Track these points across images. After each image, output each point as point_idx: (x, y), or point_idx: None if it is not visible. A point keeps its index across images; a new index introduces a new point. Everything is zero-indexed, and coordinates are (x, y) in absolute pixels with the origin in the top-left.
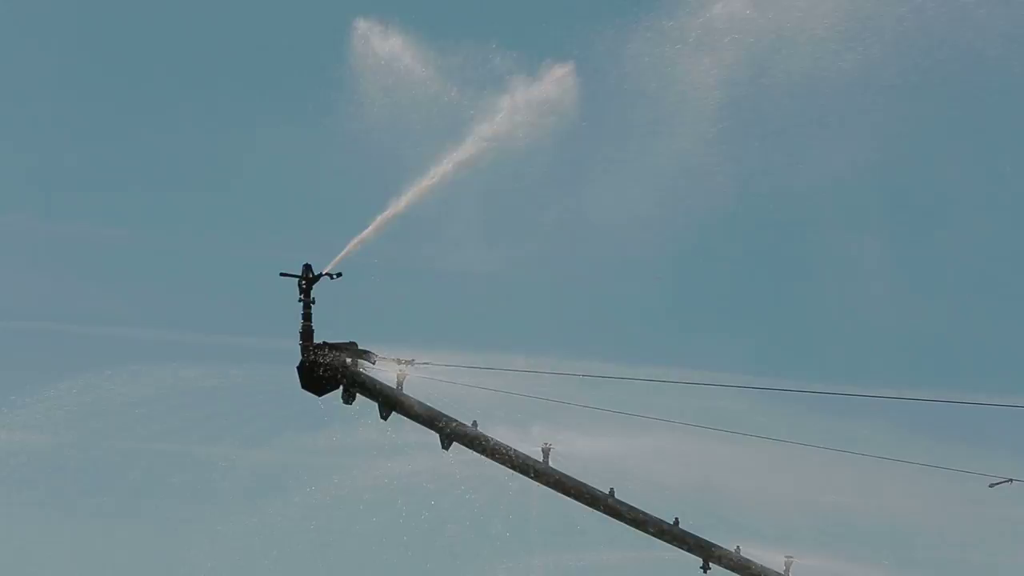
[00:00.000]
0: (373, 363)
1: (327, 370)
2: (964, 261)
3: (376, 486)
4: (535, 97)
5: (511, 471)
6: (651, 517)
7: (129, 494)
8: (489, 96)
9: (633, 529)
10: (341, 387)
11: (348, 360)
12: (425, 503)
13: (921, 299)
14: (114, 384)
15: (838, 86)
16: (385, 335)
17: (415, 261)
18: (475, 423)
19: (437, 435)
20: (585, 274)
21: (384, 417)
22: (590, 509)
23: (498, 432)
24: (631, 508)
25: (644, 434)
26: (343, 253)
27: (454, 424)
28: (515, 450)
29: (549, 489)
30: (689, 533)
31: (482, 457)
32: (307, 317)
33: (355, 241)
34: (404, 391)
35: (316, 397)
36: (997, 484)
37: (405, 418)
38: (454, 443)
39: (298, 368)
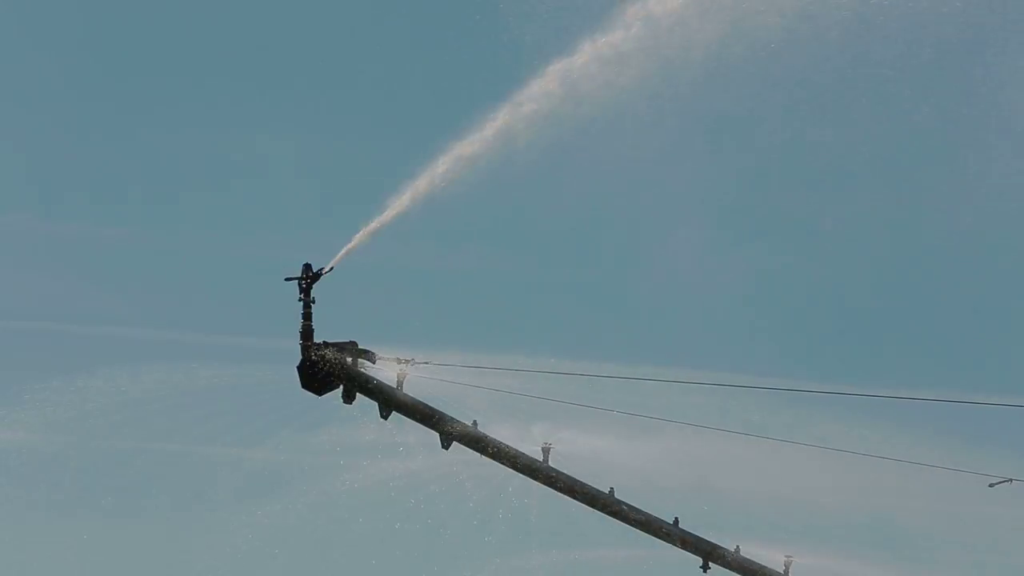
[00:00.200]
0: (373, 363)
1: (327, 370)
2: (964, 261)
3: (376, 486)
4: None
5: (511, 471)
6: (651, 517)
7: (129, 494)
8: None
9: (633, 529)
10: (341, 387)
11: (348, 360)
12: (425, 503)
13: (921, 299)
14: (114, 384)
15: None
16: (385, 335)
17: (416, 261)
18: (475, 423)
19: (437, 435)
20: (585, 274)
21: (384, 417)
22: (590, 509)
23: (498, 432)
24: (631, 508)
25: (644, 434)
26: (343, 252)
27: (454, 424)
28: (515, 450)
29: (549, 489)
30: (689, 533)
31: (482, 457)
32: (307, 317)
33: (355, 240)
34: (404, 391)
35: (316, 397)
36: (997, 484)
37: (405, 418)
38: (454, 443)
39: (298, 368)
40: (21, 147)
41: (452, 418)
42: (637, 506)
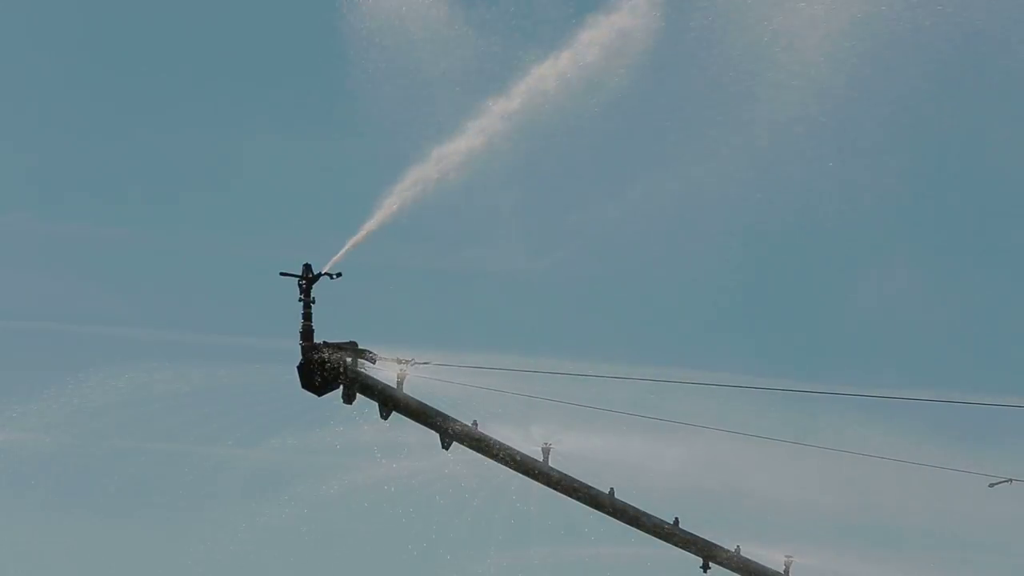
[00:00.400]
0: (373, 363)
1: (327, 370)
2: (964, 260)
3: (376, 486)
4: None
5: (511, 471)
6: (651, 517)
7: (129, 494)
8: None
9: (633, 529)
10: (341, 387)
11: (348, 360)
12: (425, 503)
13: (921, 299)
14: (114, 384)
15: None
16: (385, 335)
17: (416, 261)
18: (475, 423)
19: (437, 435)
20: (586, 273)
21: (384, 417)
22: (590, 509)
23: (498, 432)
24: (631, 508)
25: (644, 434)
26: (343, 251)
27: (454, 424)
28: (515, 450)
29: (549, 489)
30: (689, 533)
31: (482, 457)
32: (307, 317)
33: (355, 239)
34: (404, 391)
35: (316, 397)
36: (997, 484)
37: (405, 418)
38: (454, 443)
39: (298, 368)
40: (21, 147)
41: (452, 418)
42: (637, 506)
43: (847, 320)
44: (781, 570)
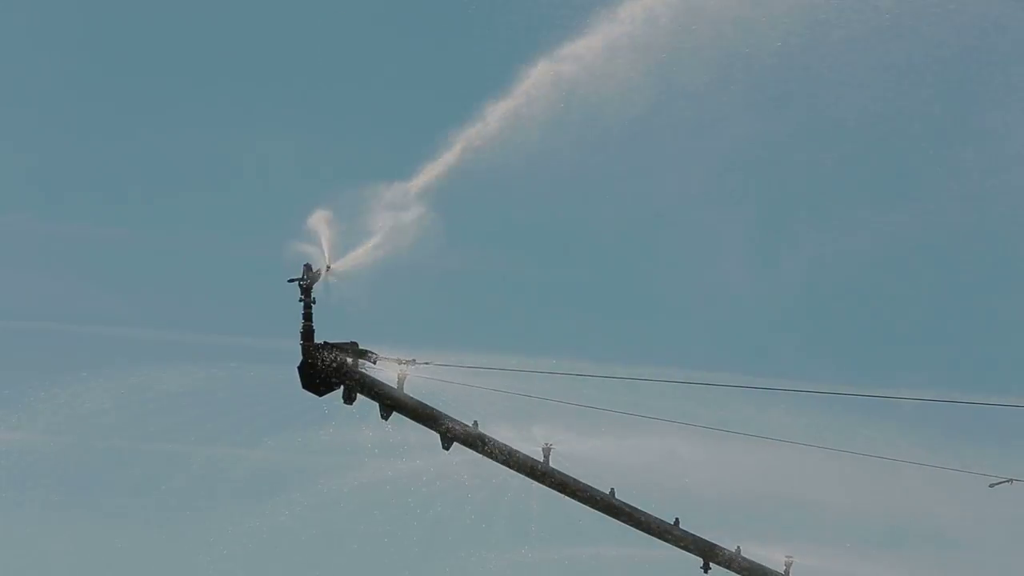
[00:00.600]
0: (374, 363)
1: (328, 370)
2: (964, 260)
3: (376, 486)
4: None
5: (511, 471)
6: (651, 517)
7: (129, 494)
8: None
9: (634, 529)
10: (341, 387)
11: (349, 360)
12: (425, 503)
13: (921, 298)
14: (114, 384)
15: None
16: (385, 335)
17: (416, 261)
18: (475, 423)
19: (437, 435)
20: (586, 273)
21: (384, 417)
22: (591, 509)
23: (498, 432)
24: (632, 508)
25: (644, 434)
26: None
27: (454, 424)
28: (516, 450)
29: (550, 489)
30: (689, 533)
31: (482, 457)
32: (307, 317)
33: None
34: (404, 391)
35: (316, 397)
36: (997, 484)
37: (405, 418)
38: (454, 443)
39: (298, 368)
40: (21, 147)
41: (452, 418)
42: (637, 506)
43: (847, 320)
44: (781, 570)
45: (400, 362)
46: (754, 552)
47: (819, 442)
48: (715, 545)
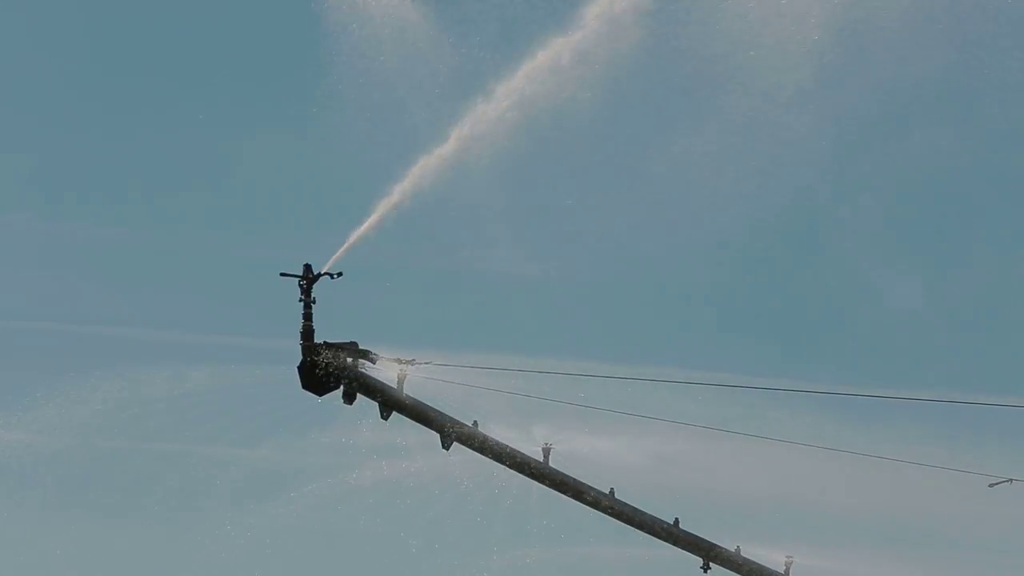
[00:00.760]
0: (373, 363)
1: (327, 370)
2: (964, 259)
3: (376, 486)
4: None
5: (511, 471)
6: (651, 517)
7: (129, 494)
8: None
9: (633, 529)
10: (341, 387)
11: (349, 360)
12: (425, 503)
13: (921, 298)
14: (113, 384)
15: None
16: (385, 335)
17: (416, 261)
18: (475, 423)
19: (437, 435)
20: (586, 273)
21: (384, 417)
22: (590, 509)
23: (498, 432)
24: (631, 508)
25: (644, 434)
26: (342, 249)
27: (454, 424)
28: (515, 450)
29: (549, 489)
30: (689, 533)
31: (482, 457)
32: (307, 317)
33: (355, 236)
34: (404, 391)
35: (316, 397)
36: (997, 484)
37: (405, 418)
38: (454, 443)
39: (298, 368)
40: (21, 147)
41: (452, 418)
42: (637, 506)
43: (847, 320)
44: (781, 570)
45: (400, 362)
46: (754, 552)
47: (819, 442)
48: (715, 545)
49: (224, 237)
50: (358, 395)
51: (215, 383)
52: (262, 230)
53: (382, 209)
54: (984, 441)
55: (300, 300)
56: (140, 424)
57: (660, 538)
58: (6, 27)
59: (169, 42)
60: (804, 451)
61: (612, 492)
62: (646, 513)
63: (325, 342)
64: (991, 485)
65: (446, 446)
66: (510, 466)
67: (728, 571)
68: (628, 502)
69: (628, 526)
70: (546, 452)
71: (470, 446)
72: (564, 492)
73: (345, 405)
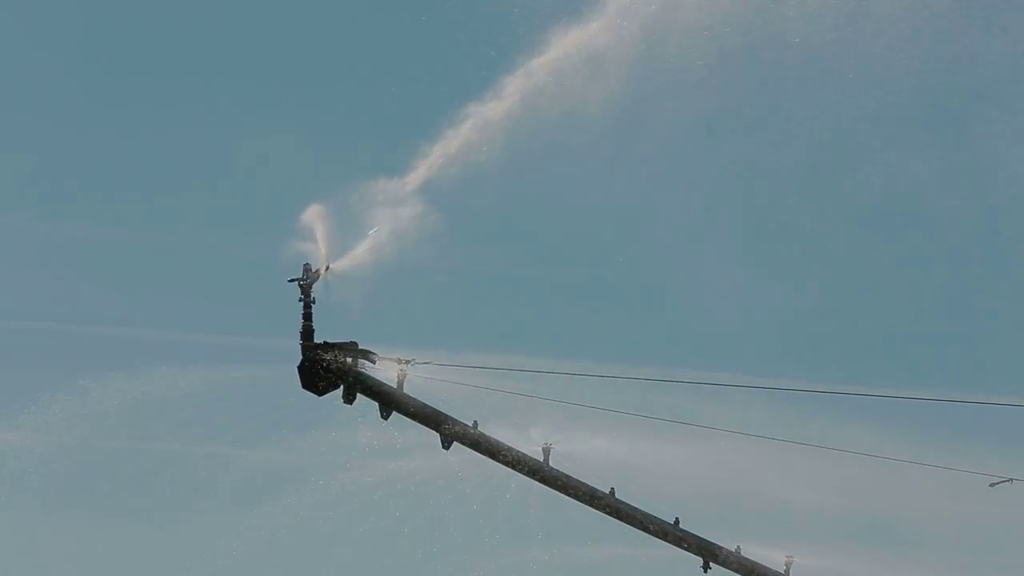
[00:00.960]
0: (373, 363)
1: (327, 370)
2: (965, 260)
3: (376, 486)
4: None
5: (511, 471)
6: (652, 517)
7: (128, 494)
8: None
9: (633, 529)
10: (341, 387)
11: (348, 360)
12: (425, 503)
13: (921, 299)
14: (113, 384)
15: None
16: (385, 335)
17: (416, 261)
18: (475, 423)
19: (437, 435)
20: (585, 274)
21: (384, 417)
22: (591, 509)
23: (498, 432)
24: (632, 508)
25: (644, 434)
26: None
27: (454, 424)
28: (515, 450)
29: (549, 489)
30: (689, 533)
31: (482, 457)
32: (307, 317)
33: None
34: (404, 391)
35: (316, 397)
36: (997, 484)
37: (405, 418)
38: (454, 443)
39: (298, 368)
40: (21, 147)
41: (452, 418)
42: (637, 506)
43: (848, 321)
44: (781, 570)
45: (400, 362)
46: (754, 552)
47: (819, 442)
48: (715, 545)
49: (224, 237)
50: (358, 395)
51: (215, 383)
52: (262, 230)
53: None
54: (984, 441)
55: (300, 300)
56: (140, 424)
57: (660, 538)
58: (6, 27)
59: (169, 42)
60: (804, 451)
61: (612, 492)
62: (646, 513)
63: (325, 342)
64: (991, 485)
65: (446, 446)
66: (510, 466)
67: (728, 571)
68: (629, 502)
69: (628, 526)
70: (546, 452)
71: (470, 446)
72: (564, 492)
73: (345, 405)
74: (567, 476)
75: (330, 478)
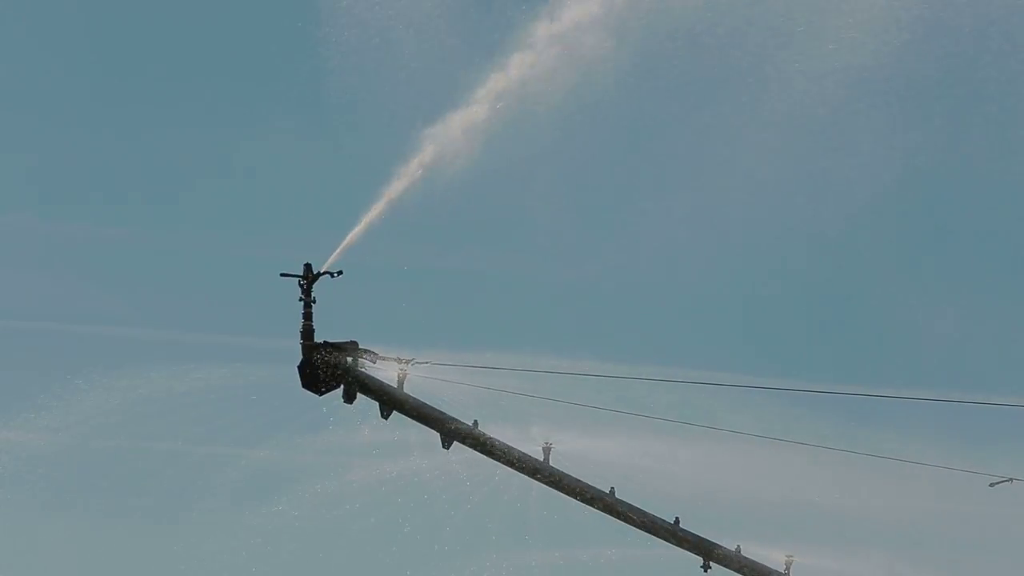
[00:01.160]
0: (374, 362)
1: (328, 369)
2: (965, 260)
3: (376, 486)
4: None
5: (511, 471)
6: (651, 516)
7: (128, 494)
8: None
9: (633, 529)
10: (341, 387)
11: (349, 359)
12: (425, 502)
13: (922, 299)
14: (114, 384)
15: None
16: (385, 335)
17: (416, 261)
18: (475, 423)
19: (437, 435)
20: (585, 272)
21: (384, 417)
22: (590, 508)
23: (498, 432)
24: (631, 507)
25: (644, 434)
26: (341, 247)
27: (454, 424)
28: (515, 450)
29: (550, 489)
30: (689, 532)
31: (482, 456)
32: (308, 316)
33: (353, 234)
34: (404, 391)
35: (316, 397)
36: (997, 484)
37: (405, 418)
38: (454, 443)
39: (298, 368)
40: (21, 147)
41: (452, 418)
42: (637, 506)
43: (848, 321)
44: (782, 570)
45: (400, 361)
46: (754, 552)
47: (820, 442)
48: (715, 545)
49: (224, 237)
50: (358, 395)
51: (215, 383)
52: (262, 230)
53: (381, 208)
54: (984, 441)
55: (300, 300)
56: (140, 424)
57: (660, 538)
58: (6, 27)
59: (169, 42)
60: (804, 451)
61: (612, 492)
62: (646, 513)
63: (325, 342)
64: (991, 485)
65: (446, 445)
66: (510, 466)
67: (728, 571)
68: (628, 501)
69: (628, 526)
70: (546, 452)
71: (470, 445)
72: (564, 491)
73: (345, 405)
74: (567, 476)
75: (330, 478)
